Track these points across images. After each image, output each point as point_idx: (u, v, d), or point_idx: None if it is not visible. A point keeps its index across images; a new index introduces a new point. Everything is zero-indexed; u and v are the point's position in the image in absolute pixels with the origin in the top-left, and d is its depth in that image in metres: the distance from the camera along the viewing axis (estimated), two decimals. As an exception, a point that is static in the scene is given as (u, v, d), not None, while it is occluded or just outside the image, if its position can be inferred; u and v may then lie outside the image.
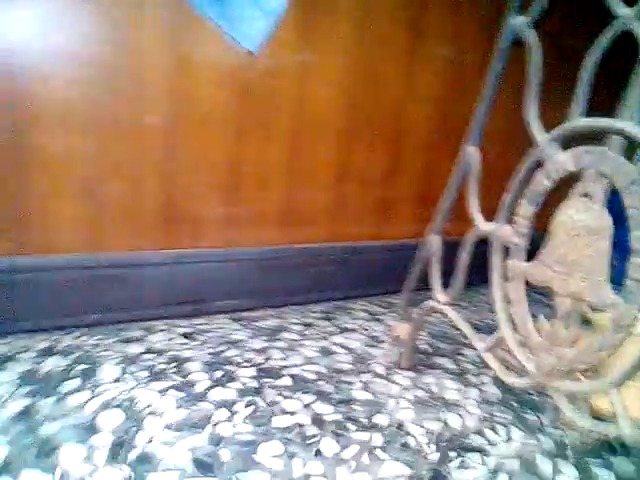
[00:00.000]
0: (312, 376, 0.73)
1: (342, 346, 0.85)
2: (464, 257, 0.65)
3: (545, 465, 0.59)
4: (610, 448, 0.62)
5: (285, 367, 0.75)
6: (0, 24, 0.65)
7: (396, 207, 1.05)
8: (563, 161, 0.53)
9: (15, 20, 0.65)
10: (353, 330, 0.91)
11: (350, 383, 0.73)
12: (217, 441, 0.57)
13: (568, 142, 0.54)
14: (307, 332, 0.89)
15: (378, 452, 0.58)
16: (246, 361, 0.76)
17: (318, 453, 0.57)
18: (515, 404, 0.71)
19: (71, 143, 0.72)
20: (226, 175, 0.86)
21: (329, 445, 0.58)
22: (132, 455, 0.53)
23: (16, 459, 0.50)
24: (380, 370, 0.77)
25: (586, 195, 0.51)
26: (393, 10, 0.92)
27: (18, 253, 0.73)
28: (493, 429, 0.65)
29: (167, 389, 0.66)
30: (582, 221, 0.51)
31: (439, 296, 0.70)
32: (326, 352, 0.82)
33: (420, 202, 1.07)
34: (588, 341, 0.51)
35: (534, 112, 0.57)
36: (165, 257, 0.84)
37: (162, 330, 0.82)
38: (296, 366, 0.76)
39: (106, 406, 0.60)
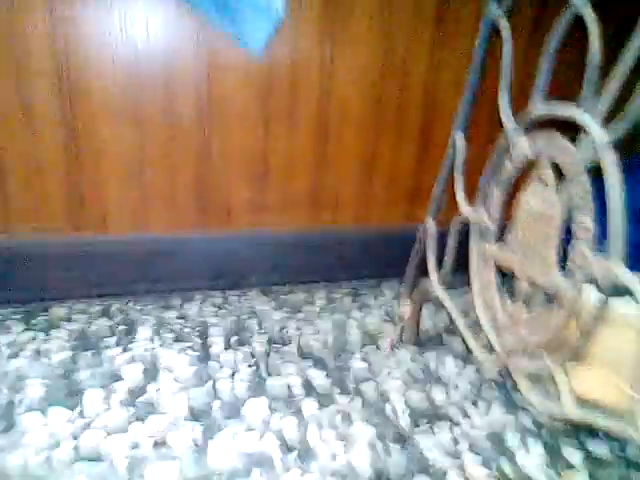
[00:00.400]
0: (318, 345, 0.80)
1: (357, 321, 0.90)
2: (450, 241, 0.68)
3: (513, 440, 0.61)
4: (590, 431, 0.63)
5: (297, 336, 0.83)
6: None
7: (423, 195, 1.06)
8: (522, 146, 0.54)
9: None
10: (374, 307, 0.96)
11: (351, 353, 0.79)
12: (213, 395, 0.66)
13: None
14: (329, 306, 0.95)
15: (353, 414, 0.64)
16: (263, 329, 0.84)
17: (298, 411, 0.64)
18: (509, 384, 0.73)
19: (119, 134, 0.84)
20: (256, 164, 0.94)
21: (310, 405, 0.65)
22: (141, 399, 0.64)
23: (48, 398, 0.63)
24: (385, 344, 0.82)
25: (542, 181, 0.52)
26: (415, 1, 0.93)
27: (78, 232, 0.87)
28: (474, 404, 0.68)
29: (185, 349, 0.76)
30: (536, 207, 0.52)
31: (432, 277, 0.73)
32: (340, 325, 0.88)
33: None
34: (538, 321, 0.53)
35: (505, 99, 0.58)
36: (202, 237, 0.94)
37: (197, 300, 0.93)
38: (307, 335, 0.83)
39: (131, 360, 0.72)
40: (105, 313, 0.85)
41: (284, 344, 0.80)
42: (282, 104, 0.92)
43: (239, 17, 0.73)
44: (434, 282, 0.72)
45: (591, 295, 0.46)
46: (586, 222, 0.46)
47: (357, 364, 0.76)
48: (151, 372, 0.70)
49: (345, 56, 0.92)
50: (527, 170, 0.55)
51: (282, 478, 0.53)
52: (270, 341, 0.80)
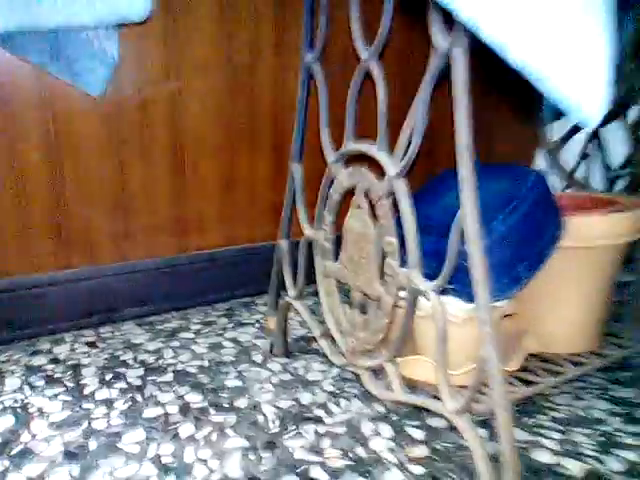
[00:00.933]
0: (194, 370, 0.85)
1: (233, 340, 0.96)
2: (300, 258, 0.76)
3: (366, 428, 0.70)
4: (427, 411, 0.74)
5: (171, 364, 0.86)
6: None
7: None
8: (341, 179, 0.63)
9: None
10: (248, 324, 1.03)
11: (227, 373, 0.84)
12: (89, 434, 0.68)
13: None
14: (204, 330, 1.00)
15: (227, 430, 0.70)
16: (138, 362, 0.87)
17: (175, 436, 0.68)
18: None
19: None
20: (115, 197, 0.97)
21: (187, 429, 0.70)
22: (15, 450, 0.64)
23: None
24: (258, 359, 0.89)
25: (359, 206, 0.62)
26: (255, 22, 1.01)
27: None
28: (336, 403, 0.77)
29: (58, 394, 0.77)
30: (357, 228, 0.62)
31: (289, 292, 0.81)
32: (216, 347, 0.93)
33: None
34: (370, 324, 0.63)
35: (325, 136, 0.67)
36: (65, 275, 0.94)
37: (68, 341, 0.93)
38: (182, 362, 0.87)
39: (2, 411, 0.72)
40: (-34, 369, 0.83)
41: (160, 373, 0.83)
42: (134, 137, 0.95)
43: (76, 66, 0.75)
44: (291, 295, 0.80)
45: (403, 298, 0.56)
46: (390, 240, 0.56)
47: (232, 382, 0.82)
48: (24, 422, 0.70)
49: (192, 85, 0.98)
50: (349, 196, 0.65)
51: (160, 501, 0.58)
52: (146, 372, 0.83)
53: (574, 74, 0.35)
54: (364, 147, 0.59)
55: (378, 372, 0.68)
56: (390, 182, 0.54)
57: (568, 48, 0.35)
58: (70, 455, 0.64)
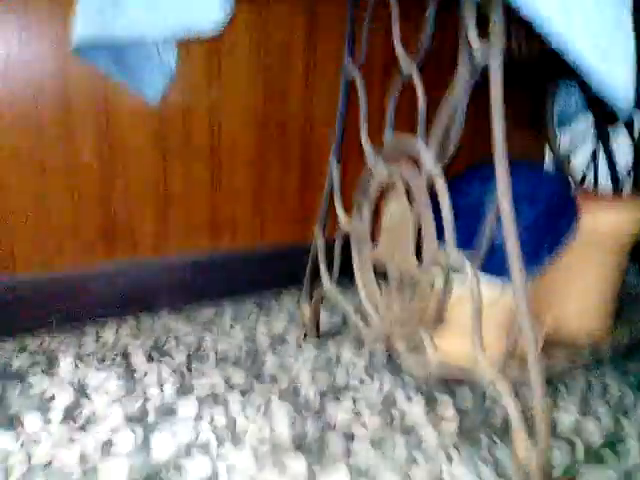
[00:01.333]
0: (233, 351, 0.92)
1: (265, 327, 1.03)
2: (337, 249, 0.84)
3: (400, 395, 0.77)
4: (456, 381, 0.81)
5: (212, 347, 0.93)
6: None
7: (308, 214, 1.23)
8: (380, 172, 0.71)
9: None
10: (278, 314, 1.10)
11: (264, 353, 0.91)
12: (145, 401, 0.75)
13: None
14: (237, 319, 1.07)
15: (271, 397, 0.77)
16: (180, 344, 0.94)
17: (224, 402, 0.75)
18: (396, 360, 0.90)
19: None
20: (157, 196, 1.04)
21: (233, 396, 0.77)
22: (78, 415, 0.71)
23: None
24: (293, 344, 0.96)
25: (397, 191, 0.70)
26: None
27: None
28: (370, 376, 0.84)
29: (109, 367, 0.84)
30: (396, 216, 0.70)
31: (325, 282, 0.88)
32: (251, 333, 1.00)
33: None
34: (407, 300, 0.70)
35: (364, 133, 0.75)
36: (108, 266, 1.02)
37: (112, 326, 1.00)
38: (221, 345, 0.94)
39: (61, 384, 0.78)
40: (23, 349, 0.89)
41: (202, 354, 0.90)
42: (177, 141, 1.04)
43: (139, 75, 0.83)
44: (326, 283, 0.87)
45: (439, 276, 0.64)
46: (428, 224, 0.63)
47: (270, 360, 0.88)
48: (81, 392, 0.77)
49: (230, 97, 1.06)
50: (388, 188, 0.73)
51: (218, 453, 0.64)
52: (189, 353, 0.90)
53: (612, 55, 0.41)
54: (403, 143, 0.67)
55: (413, 349, 0.75)
56: (430, 176, 0.62)
57: (607, 30, 0.41)
58: (131, 418, 0.71)
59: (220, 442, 0.67)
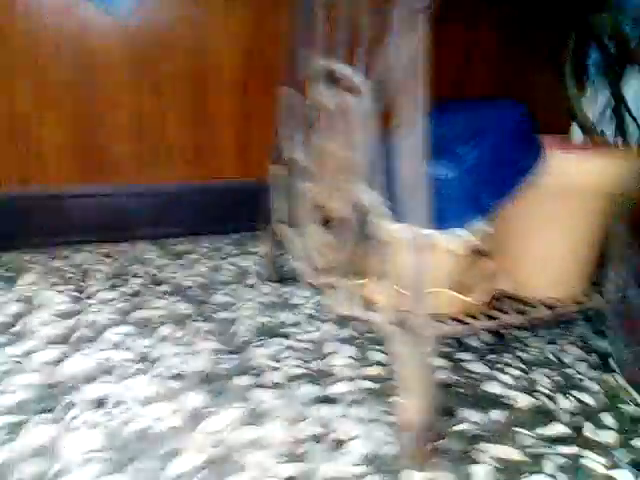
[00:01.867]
0: (190, 284, 0.91)
1: (234, 264, 1.01)
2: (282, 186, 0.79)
3: (330, 346, 0.74)
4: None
5: (172, 278, 0.93)
6: None
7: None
8: (320, 98, 0.65)
9: None
10: (252, 253, 1.08)
11: (219, 290, 0.90)
12: (85, 323, 0.76)
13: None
14: (210, 254, 1.06)
15: (203, 333, 0.75)
16: (143, 273, 0.94)
17: (154, 333, 0.75)
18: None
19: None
20: (134, 121, 1.03)
21: (166, 328, 0.76)
22: (12, 330, 0.73)
23: None
24: (251, 281, 0.94)
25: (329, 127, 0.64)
26: None
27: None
28: (309, 323, 0.80)
29: (65, 290, 0.85)
30: (332, 150, 0.64)
31: (274, 216, 0.84)
32: (217, 268, 0.99)
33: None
34: (339, 245, 0.65)
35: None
36: (91, 190, 1.03)
37: (86, 250, 1.02)
38: (182, 277, 0.93)
39: (12, 299, 0.81)
40: (-4, 263, 0.93)
41: (158, 284, 0.90)
42: (156, 65, 1.00)
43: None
44: (274, 221, 0.84)
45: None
46: (356, 159, 0.57)
47: (221, 298, 0.87)
48: (29, 308, 0.79)
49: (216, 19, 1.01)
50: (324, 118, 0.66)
51: (129, 380, 0.64)
52: (146, 282, 0.90)
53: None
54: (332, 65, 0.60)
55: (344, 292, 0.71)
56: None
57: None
58: (60, 338, 0.72)
59: (134, 368, 0.66)
